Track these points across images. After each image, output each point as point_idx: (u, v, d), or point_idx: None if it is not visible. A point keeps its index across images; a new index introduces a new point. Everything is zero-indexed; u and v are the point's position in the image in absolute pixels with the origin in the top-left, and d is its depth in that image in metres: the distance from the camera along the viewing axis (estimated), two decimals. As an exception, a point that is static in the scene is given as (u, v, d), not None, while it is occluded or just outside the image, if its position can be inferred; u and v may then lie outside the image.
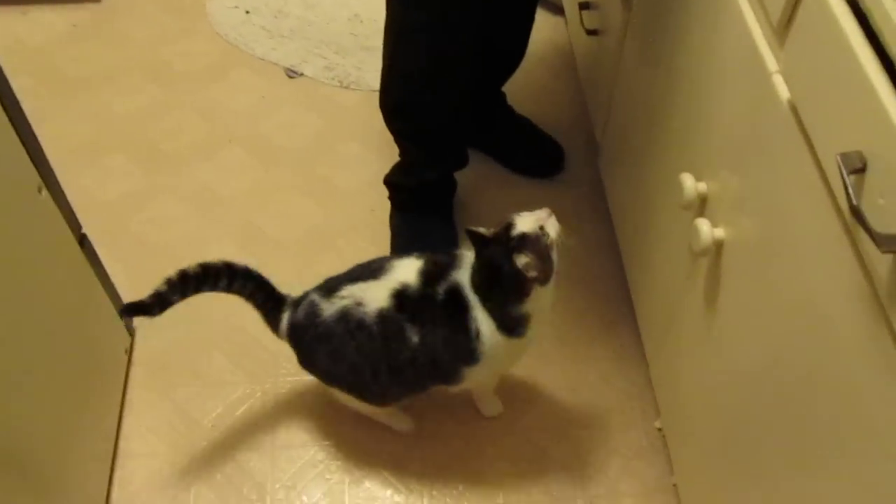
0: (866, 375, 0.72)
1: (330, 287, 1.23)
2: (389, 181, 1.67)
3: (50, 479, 1.13)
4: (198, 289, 1.23)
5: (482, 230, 1.16)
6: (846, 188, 0.68)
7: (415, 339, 1.18)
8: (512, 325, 1.17)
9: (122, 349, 1.48)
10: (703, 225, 1.03)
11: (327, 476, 1.39)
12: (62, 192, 1.23)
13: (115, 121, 1.92)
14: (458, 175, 1.68)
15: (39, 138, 1.16)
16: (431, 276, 1.19)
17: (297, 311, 1.24)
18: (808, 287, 0.82)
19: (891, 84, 0.67)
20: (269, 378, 1.48)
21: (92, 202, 1.74)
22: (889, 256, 0.66)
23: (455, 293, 1.18)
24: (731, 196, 1.01)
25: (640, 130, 1.41)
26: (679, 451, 1.30)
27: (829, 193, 0.76)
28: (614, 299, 1.62)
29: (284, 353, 1.40)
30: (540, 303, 1.17)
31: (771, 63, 0.88)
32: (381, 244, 1.68)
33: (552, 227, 1.15)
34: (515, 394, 1.49)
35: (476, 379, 1.27)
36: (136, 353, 1.52)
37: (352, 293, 1.20)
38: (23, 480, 1.05)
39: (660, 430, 1.42)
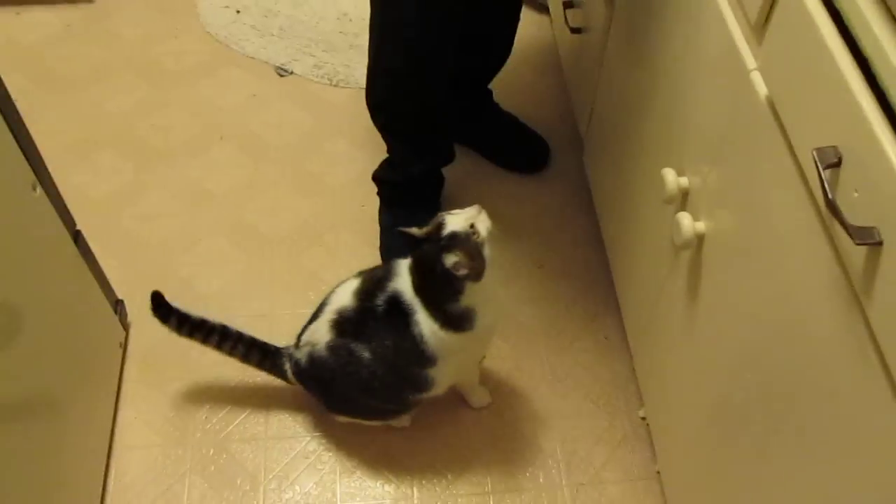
0: (842, 365, 0.72)
1: (299, 337, 1.31)
2: (377, 177, 1.67)
3: (46, 472, 1.13)
4: (190, 334, 1.33)
5: (414, 230, 1.17)
6: (822, 182, 0.68)
7: (366, 355, 1.21)
8: (456, 322, 1.18)
9: (116, 343, 1.48)
10: (685, 219, 1.03)
11: (319, 466, 1.40)
12: (56, 189, 1.23)
13: (106, 118, 1.91)
14: (445, 170, 1.68)
15: (32, 136, 1.15)
16: (368, 292, 1.22)
17: (293, 362, 1.32)
18: (786, 279, 0.83)
19: (864, 81, 0.68)
20: (261, 371, 1.44)
21: (85, 199, 1.73)
22: (863, 249, 0.66)
23: (395, 302, 1.19)
24: (711, 190, 1.01)
25: (623, 126, 1.41)
26: (662, 439, 1.31)
27: (806, 187, 0.77)
28: (599, 291, 1.62)
29: (274, 342, 1.41)
30: (481, 296, 1.17)
31: (749, 60, 0.89)
32: (370, 239, 1.68)
33: (482, 224, 1.15)
34: (502, 385, 1.49)
35: (445, 378, 1.28)
36: (130, 347, 1.51)
37: (308, 340, 1.27)
38: (19, 473, 1.05)
39: (644, 419, 1.43)
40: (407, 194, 1.64)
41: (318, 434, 1.43)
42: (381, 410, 1.36)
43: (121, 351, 1.49)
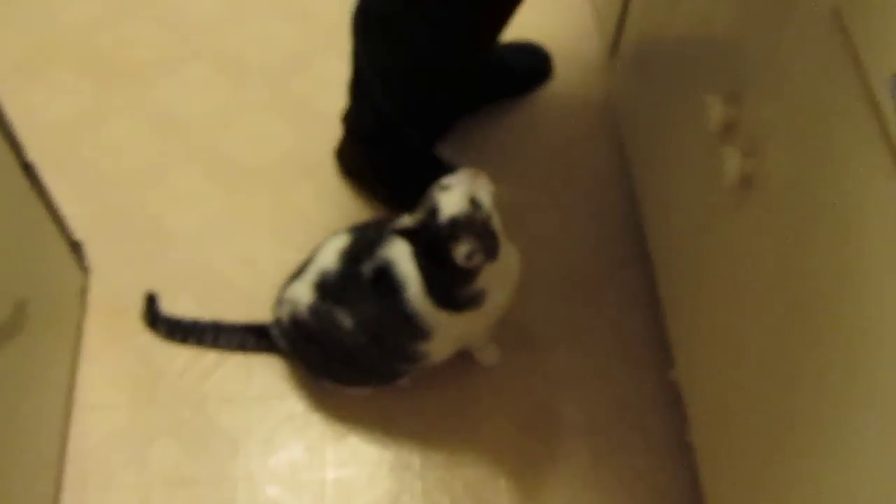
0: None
1: (280, 293, 1.36)
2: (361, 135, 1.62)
3: (-5, 435, 1.13)
4: (184, 339, 1.45)
5: (406, 223, 1.16)
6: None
7: (348, 322, 1.25)
8: (462, 304, 1.20)
9: (74, 290, 1.48)
10: (732, 155, 1.02)
11: (307, 430, 1.40)
12: (1, 113, 1.21)
13: (62, 31, 1.88)
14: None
15: (-27, 52, 1.13)
16: (355, 255, 1.25)
17: (276, 321, 1.37)
18: (850, 229, 0.81)
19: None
20: (260, 353, 1.48)
21: (37, 125, 1.67)
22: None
23: (384, 272, 1.21)
24: (763, 122, 1.00)
25: (658, 43, 1.40)
26: (696, 405, 1.30)
27: (878, 122, 0.74)
28: (626, 237, 1.61)
29: (258, 294, 1.47)
30: (495, 272, 1.18)
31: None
32: (365, 173, 1.66)
33: (483, 192, 1.14)
34: (516, 341, 1.49)
35: (442, 352, 1.31)
36: (92, 295, 1.52)
37: (289, 297, 1.31)
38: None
39: (675, 382, 1.41)
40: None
41: (305, 393, 1.43)
42: (368, 380, 1.39)
43: (80, 299, 1.49)
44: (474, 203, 1.13)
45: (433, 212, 1.13)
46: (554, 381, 1.47)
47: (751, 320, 1.06)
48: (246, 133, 1.75)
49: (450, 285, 1.18)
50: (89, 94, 1.79)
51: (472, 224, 1.12)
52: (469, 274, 1.16)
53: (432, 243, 1.15)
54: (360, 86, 1.50)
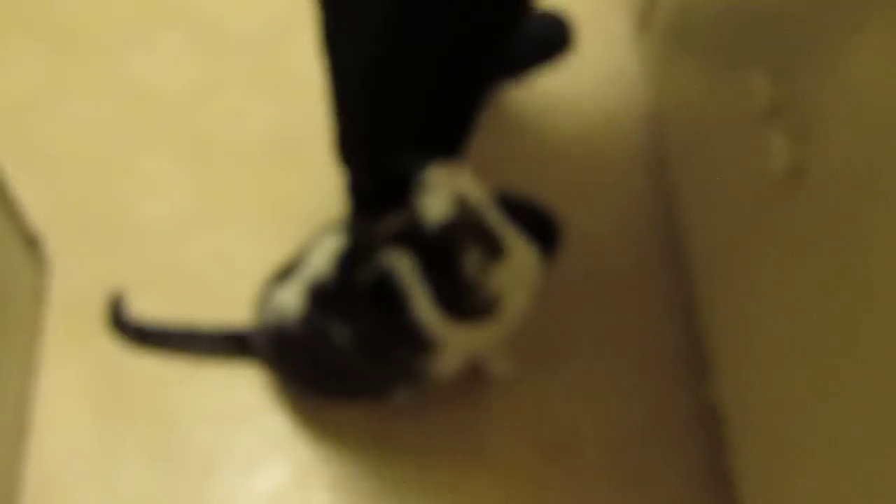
0: None
1: (263, 294, 1.35)
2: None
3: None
4: (157, 345, 1.44)
5: (393, 227, 1.16)
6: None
7: (343, 335, 1.24)
8: (476, 311, 1.20)
9: (31, 289, 1.48)
10: (780, 141, 1.02)
11: (292, 451, 1.40)
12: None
13: (17, -6, 1.89)
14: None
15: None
16: (350, 260, 1.24)
17: (261, 334, 1.37)
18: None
19: None
20: (243, 361, 1.47)
21: (-12, 101, 1.74)
22: None
23: (384, 280, 1.20)
24: (817, 103, 0.99)
25: (699, 12, 1.41)
26: (737, 427, 1.30)
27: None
28: (658, 232, 1.60)
29: (237, 293, 1.45)
30: (508, 272, 1.18)
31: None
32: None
33: (468, 188, 1.15)
34: (532, 350, 1.47)
35: (449, 366, 1.29)
36: (53, 294, 1.52)
37: (276, 303, 1.30)
38: None
39: (711, 399, 1.39)
40: None
41: (291, 409, 1.43)
42: (363, 396, 1.39)
43: (37, 300, 1.50)
44: (461, 203, 1.13)
45: (414, 223, 1.15)
46: (574, 396, 1.46)
47: (802, 327, 1.06)
48: (225, 111, 1.74)
49: (459, 292, 1.18)
50: (48, 67, 1.78)
51: (467, 227, 1.13)
52: (477, 286, 1.16)
53: (428, 250, 1.16)
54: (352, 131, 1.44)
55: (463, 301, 1.19)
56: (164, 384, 1.44)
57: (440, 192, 1.14)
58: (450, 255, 1.13)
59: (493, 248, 1.14)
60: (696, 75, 1.41)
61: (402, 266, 1.20)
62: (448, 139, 1.36)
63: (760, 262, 1.18)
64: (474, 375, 1.43)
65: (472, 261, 1.12)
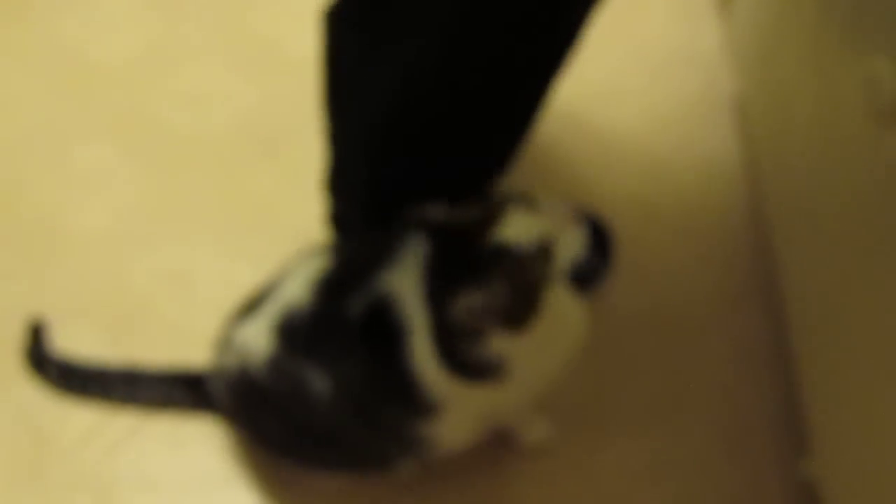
0: None
1: (226, 329, 1.33)
2: None
3: None
4: (84, 389, 1.42)
5: (439, 217, 1.16)
6: None
7: (320, 384, 1.21)
8: (474, 369, 1.17)
9: None
10: None
11: None
12: None
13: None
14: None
15: None
16: (337, 285, 1.22)
17: (221, 378, 1.35)
18: None
19: None
20: (196, 412, 1.46)
21: None
22: None
23: (379, 310, 1.18)
24: None
25: None
26: None
27: None
28: (744, 262, 1.60)
29: (192, 323, 1.46)
30: (521, 347, 1.15)
31: None
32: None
33: (568, 246, 1.14)
34: (574, 413, 1.46)
35: (458, 434, 1.27)
36: None
37: (239, 342, 1.27)
38: None
39: (810, 478, 1.37)
40: None
41: (258, 478, 1.40)
42: (350, 466, 1.36)
43: None
44: (542, 247, 1.11)
45: (487, 220, 1.12)
46: (630, 473, 1.42)
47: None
48: (184, 88, 1.75)
49: (453, 337, 1.16)
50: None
51: (519, 272, 1.10)
52: (470, 332, 1.14)
53: (463, 262, 1.12)
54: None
55: (456, 345, 1.16)
56: (95, 442, 1.41)
57: (537, 220, 1.12)
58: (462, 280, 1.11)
59: (513, 317, 1.12)
60: (796, 56, 1.41)
61: (407, 292, 1.17)
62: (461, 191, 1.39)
63: (880, 302, 1.14)
64: (499, 445, 1.41)
65: (468, 309, 1.10)
